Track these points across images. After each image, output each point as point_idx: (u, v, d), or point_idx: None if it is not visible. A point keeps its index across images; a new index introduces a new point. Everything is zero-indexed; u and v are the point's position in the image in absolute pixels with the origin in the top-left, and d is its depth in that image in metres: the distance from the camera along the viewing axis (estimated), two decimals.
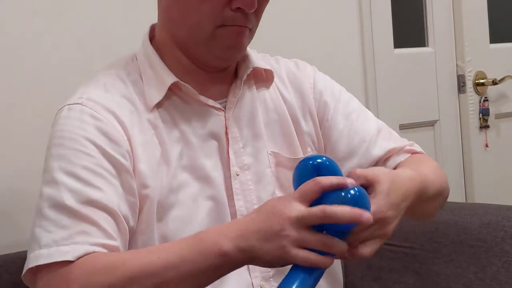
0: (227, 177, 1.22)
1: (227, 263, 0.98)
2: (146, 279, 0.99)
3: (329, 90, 1.35)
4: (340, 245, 0.96)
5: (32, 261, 1.05)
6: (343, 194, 0.94)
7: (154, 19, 1.33)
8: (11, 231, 1.61)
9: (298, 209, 0.94)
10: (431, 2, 2.61)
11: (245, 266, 1.18)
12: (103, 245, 1.05)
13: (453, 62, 2.66)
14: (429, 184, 1.19)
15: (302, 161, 1.00)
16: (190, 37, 1.20)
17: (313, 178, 0.95)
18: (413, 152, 1.35)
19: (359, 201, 0.94)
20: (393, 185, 1.04)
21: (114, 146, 1.13)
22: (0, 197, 1.61)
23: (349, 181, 0.96)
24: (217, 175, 1.21)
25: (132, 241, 1.13)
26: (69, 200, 1.07)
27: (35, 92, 1.65)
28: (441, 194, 1.30)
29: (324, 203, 0.93)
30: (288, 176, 1.25)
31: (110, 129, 1.14)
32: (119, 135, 1.14)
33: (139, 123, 1.18)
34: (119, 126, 1.15)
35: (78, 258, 1.03)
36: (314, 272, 0.95)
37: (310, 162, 0.98)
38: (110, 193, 1.09)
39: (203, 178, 1.19)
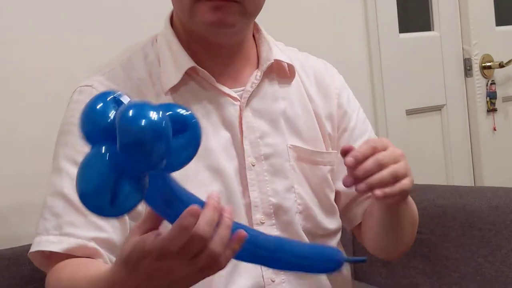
0: (242, 168, 1.19)
1: None
2: None
3: (352, 102, 1.34)
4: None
5: (32, 246, 1.13)
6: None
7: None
8: (19, 224, 1.61)
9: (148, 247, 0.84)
10: None
11: None
12: (92, 239, 1.08)
13: (459, 45, 2.64)
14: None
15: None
16: (179, 13, 1.19)
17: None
18: None
19: None
20: None
21: None
22: (9, 192, 1.61)
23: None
24: (229, 165, 1.18)
25: None
26: (67, 189, 1.09)
27: (39, 84, 1.65)
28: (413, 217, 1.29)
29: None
30: (309, 170, 1.24)
31: None
32: None
33: None
34: None
35: (61, 251, 1.08)
36: None
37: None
38: None
39: (214, 167, 1.17)
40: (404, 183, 1.04)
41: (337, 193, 1.30)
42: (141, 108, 0.74)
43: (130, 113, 0.73)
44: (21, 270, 1.41)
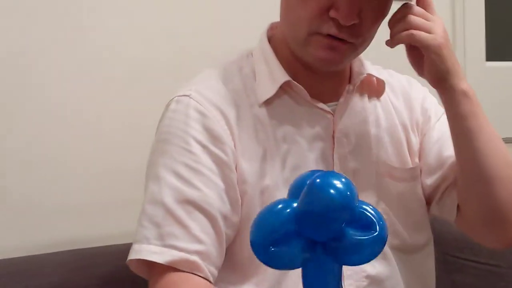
0: None
1: None
2: None
3: (434, 109, 1.35)
4: None
5: (129, 254, 1.11)
6: None
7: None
8: (99, 225, 1.64)
9: None
10: None
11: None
12: (194, 252, 1.08)
13: None
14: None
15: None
16: (290, 36, 1.20)
17: None
18: None
19: None
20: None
21: (217, 142, 1.14)
22: (90, 193, 1.64)
23: None
24: None
25: (238, 235, 1.15)
26: (167, 198, 1.10)
27: (127, 90, 1.68)
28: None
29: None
30: (395, 186, 1.24)
31: (214, 125, 1.15)
32: (222, 131, 1.15)
33: (245, 118, 1.18)
34: (223, 121, 1.16)
35: (165, 263, 1.07)
36: None
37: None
38: (210, 193, 1.11)
39: None
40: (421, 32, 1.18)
41: (430, 192, 1.29)
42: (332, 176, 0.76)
43: (320, 180, 0.76)
44: (99, 270, 1.42)
